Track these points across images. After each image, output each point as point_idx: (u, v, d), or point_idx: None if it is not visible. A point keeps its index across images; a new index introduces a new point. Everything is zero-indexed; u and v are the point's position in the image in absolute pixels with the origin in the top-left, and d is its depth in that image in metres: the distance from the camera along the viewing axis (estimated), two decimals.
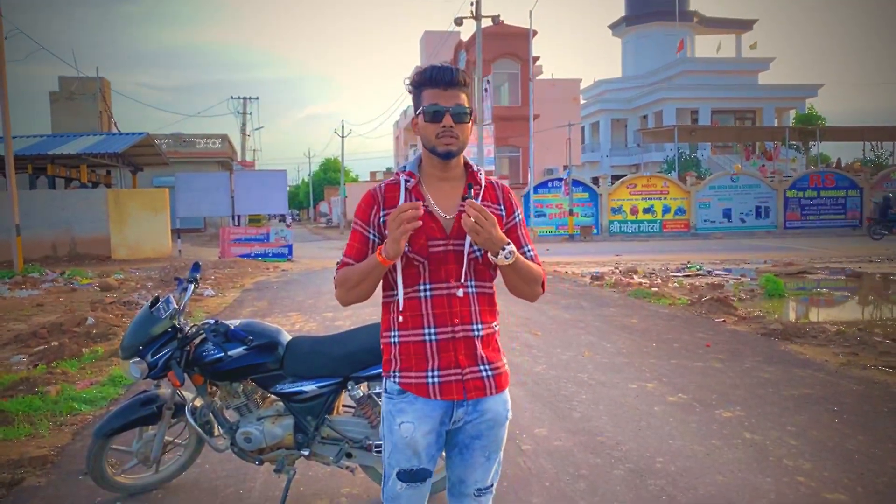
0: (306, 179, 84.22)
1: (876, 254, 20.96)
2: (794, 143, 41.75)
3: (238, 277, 16.80)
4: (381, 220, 2.26)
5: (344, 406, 3.80)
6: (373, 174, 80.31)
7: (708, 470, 4.12)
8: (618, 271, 16.69)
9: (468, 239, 2.22)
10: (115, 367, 7.21)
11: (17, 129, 23.83)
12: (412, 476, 2.32)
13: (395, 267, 2.23)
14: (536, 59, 36.42)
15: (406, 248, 2.18)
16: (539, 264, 2.35)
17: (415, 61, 49.07)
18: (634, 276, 15.42)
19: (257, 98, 43.62)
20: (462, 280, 2.26)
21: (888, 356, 7.02)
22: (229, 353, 3.57)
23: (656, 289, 12.79)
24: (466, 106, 2.24)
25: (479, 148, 22.70)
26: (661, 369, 6.61)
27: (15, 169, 21.91)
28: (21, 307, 12.67)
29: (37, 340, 9.36)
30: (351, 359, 3.53)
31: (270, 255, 21.93)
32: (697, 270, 17.17)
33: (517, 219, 2.37)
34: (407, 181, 2.29)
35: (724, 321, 9.43)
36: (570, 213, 31.43)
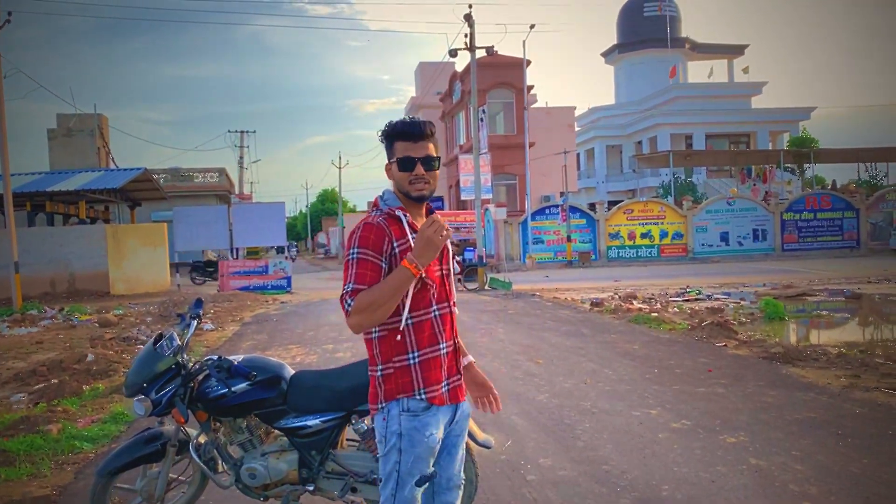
0: (304, 211, 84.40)
1: (875, 274, 21.01)
2: (789, 165, 42.02)
3: (237, 311, 16.79)
4: (396, 250, 2.46)
5: (348, 440, 3.79)
6: (370, 204, 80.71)
7: (714, 497, 4.10)
8: (617, 297, 16.70)
9: (451, 262, 2.67)
10: (117, 404, 7.18)
11: (16, 166, 24.00)
12: (427, 479, 2.58)
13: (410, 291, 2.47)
14: (531, 87, 36.78)
15: (422, 274, 2.43)
16: None
17: (411, 91, 49.51)
18: (634, 302, 15.44)
19: (255, 131, 44.08)
20: (454, 299, 2.66)
21: (890, 378, 7.02)
22: (233, 388, 3.57)
23: (656, 314, 12.79)
24: (435, 154, 2.55)
25: (477, 176, 22.82)
26: (663, 395, 6.60)
27: (13, 206, 22.03)
28: (20, 345, 12.63)
29: (37, 378, 9.33)
30: (354, 392, 3.53)
31: (269, 287, 21.94)
32: (697, 295, 17.19)
33: None
34: (405, 215, 2.54)
35: (725, 345, 9.43)
36: (568, 239, 31.52)
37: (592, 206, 34.08)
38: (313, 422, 3.56)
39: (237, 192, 40.37)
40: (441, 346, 2.57)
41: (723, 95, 53.59)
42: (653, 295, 17.06)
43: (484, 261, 21.64)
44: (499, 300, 17.06)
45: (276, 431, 3.73)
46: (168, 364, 3.68)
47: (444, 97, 41.30)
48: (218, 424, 3.78)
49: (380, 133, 2.61)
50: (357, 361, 3.82)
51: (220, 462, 3.77)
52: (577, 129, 50.91)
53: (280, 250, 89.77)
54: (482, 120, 26.29)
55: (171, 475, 3.93)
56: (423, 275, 2.46)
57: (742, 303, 15.53)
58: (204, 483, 4.03)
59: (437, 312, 2.56)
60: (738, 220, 32.88)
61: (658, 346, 9.55)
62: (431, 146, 2.52)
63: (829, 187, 39.96)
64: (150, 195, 26.81)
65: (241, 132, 40.28)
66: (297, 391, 3.62)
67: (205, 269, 27.79)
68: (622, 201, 35.67)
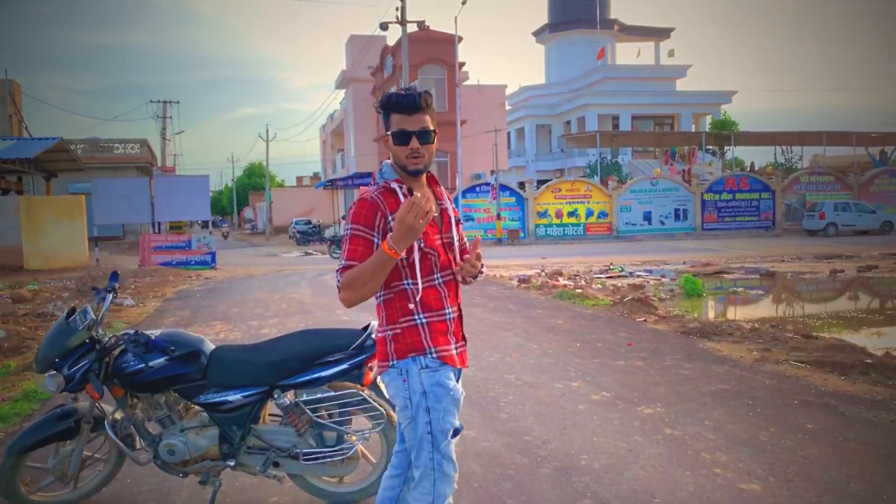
0: (230, 185, 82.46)
1: (788, 254, 21.96)
2: (711, 147, 43.33)
3: (159, 286, 16.34)
4: (390, 224, 2.46)
5: (270, 415, 3.76)
6: (300, 179, 79.34)
7: (630, 465, 4.24)
8: (544, 274, 16.98)
9: (453, 231, 2.69)
10: (29, 382, 6.91)
11: None
12: (458, 431, 2.63)
13: (407, 261, 2.51)
14: (462, 64, 36.74)
15: (421, 244, 2.51)
16: None
17: (340, 65, 48.76)
18: (560, 279, 15.73)
19: (178, 101, 42.58)
20: (454, 267, 2.66)
21: (798, 351, 7.37)
22: (150, 364, 3.49)
23: (580, 290, 13.07)
24: (431, 127, 2.53)
25: None
26: (585, 368, 6.77)
27: None
28: None
29: None
30: (277, 367, 3.50)
31: (193, 263, 21.42)
32: (620, 272, 17.63)
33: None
34: (400, 188, 2.54)
35: (645, 320, 9.71)
36: (498, 217, 31.82)
37: (522, 185, 34.47)
38: (234, 397, 3.52)
39: (160, 164, 39.11)
40: (447, 310, 2.62)
41: (649, 78, 54.77)
42: (578, 272, 17.41)
43: None
44: None
45: (196, 407, 3.67)
46: (81, 339, 3.56)
47: (376, 71, 40.84)
48: (135, 400, 3.69)
49: (377, 104, 2.62)
50: (278, 336, 3.78)
51: (137, 439, 3.69)
52: (508, 107, 51.18)
53: (205, 225, 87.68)
54: None
55: (85, 453, 3.82)
56: (423, 244, 2.52)
57: (663, 280, 16.02)
58: (121, 461, 3.93)
59: (440, 280, 2.61)
60: (661, 199, 33.80)
61: (581, 321, 9.76)
62: (428, 118, 2.52)
63: (748, 169, 41.45)
64: (67, 166, 25.64)
65: (164, 102, 38.96)
66: (218, 366, 3.56)
67: (309, 233, 27.48)
68: (551, 180, 36.20)
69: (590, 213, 33.14)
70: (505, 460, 4.38)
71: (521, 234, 32.33)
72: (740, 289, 14.83)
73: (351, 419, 3.64)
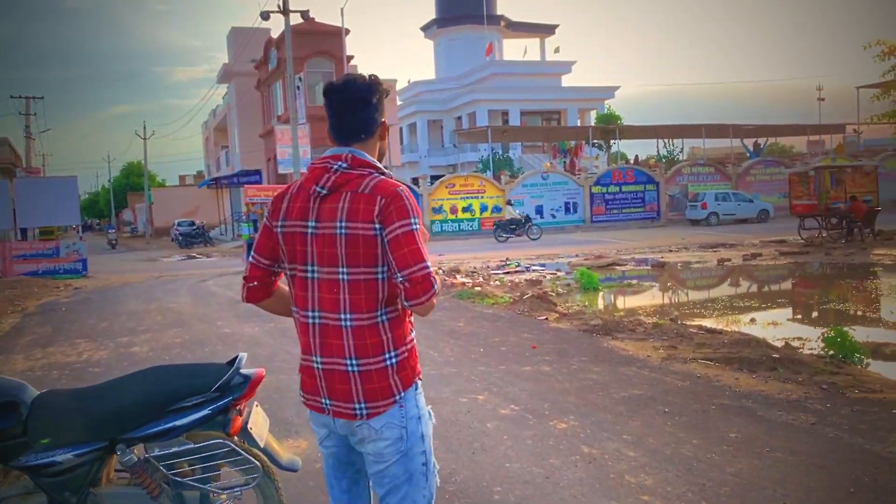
0: (107, 185, 77.86)
1: (674, 243, 22.46)
2: (597, 141, 44.27)
3: (20, 299, 14.80)
4: None
5: (117, 471, 3.03)
6: (182, 178, 75.86)
7: (549, 496, 3.76)
8: (441, 271, 16.52)
9: None
10: None
11: None
12: None
13: None
14: (350, 58, 35.81)
15: None
16: None
17: (224, 58, 46.73)
18: (458, 276, 15.30)
19: (42, 97, 39.40)
20: None
21: (704, 348, 7.17)
22: None
23: (479, 288, 12.68)
24: None
25: (295, 148, 21.73)
26: (490, 377, 6.29)
27: None
28: None
29: None
30: (119, 416, 2.78)
31: (61, 271, 19.68)
32: (516, 267, 17.42)
33: None
34: None
35: (546, 319, 9.38)
36: None
37: (416, 181, 33.96)
38: (63, 456, 2.77)
39: (24, 165, 36.15)
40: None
41: (536, 73, 55.42)
42: (475, 268, 17.07)
43: None
44: None
45: (17, 471, 2.89)
46: None
47: (259, 65, 39.22)
48: None
49: (387, 93, 2.40)
50: (121, 377, 3.05)
51: None
52: (399, 102, 50.56)
53: (86, 228, 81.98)
54: (299, 89, 25.14)
55: None
56: None
57: (558, 274, 15.90)
58: None
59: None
60: (552, 193, 34.13)
61: (482, 322, 9.32)
62: None
63: (633, 162, 42.57)
64: None
65: (27, 98, 35.90)
66: (42, 418, 2.80)
67: (508, 226, 25.59)
68: (444, 176, 35.90)
69: (484, 208, 33.04)
70: None
71: None
72: (634, 281, 14.87)
73: (219, 473, 2.97)
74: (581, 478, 3.97)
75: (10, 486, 2.90)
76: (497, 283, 14.10)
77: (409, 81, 58.48)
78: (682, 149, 45.62)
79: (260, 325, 9.66)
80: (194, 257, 28.75)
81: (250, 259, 2.38)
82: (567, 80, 56.94)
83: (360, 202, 2.16)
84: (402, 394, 2.20)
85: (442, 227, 32.37)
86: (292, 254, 2.23)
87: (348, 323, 2.16)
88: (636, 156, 46.58)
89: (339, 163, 2.21)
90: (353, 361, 2.15)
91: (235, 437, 2.89)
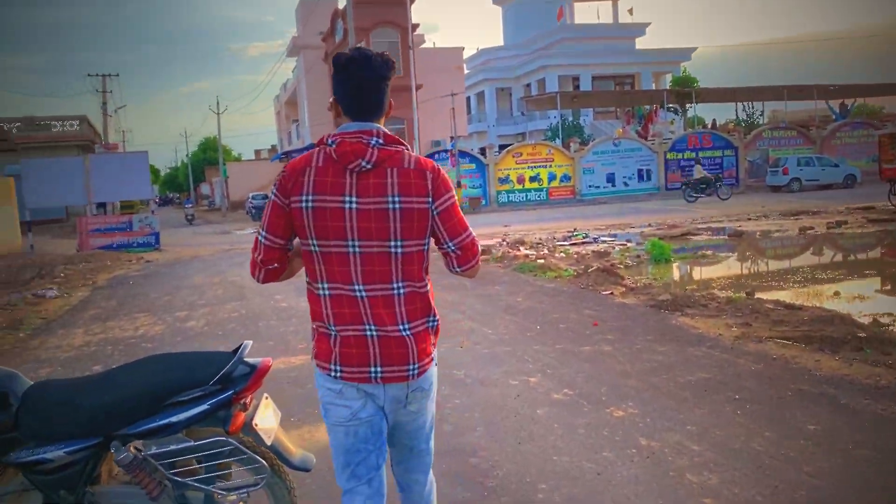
0: (185, 161, 79.95)
1: (753, 211, 21.39)
2: (672, 105, 42.66)
3: (94, 273, 15.16)
4: None
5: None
6: (258, 152, 77.17)
7: (600, 496, 3.38)
8: (505, 243, 16.13)
9: None
10: None
11: None
12: None
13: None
14: (416, 27, 35.40)
15: None
16: None
17: (291, 31, 46.91)
18: (521, 248, 14.88)
19: (117, 74, 40.28)
20: None
21: (782, 325, 6.59)
22: None
23: (543, 260, 12.24)
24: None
25: None
26: (545, 358, 5.91)
27: None
28: None
29: None
30: (112, 411, 2.54)
31: (135, 244, 20.16)
32: (583, 238, 16.85)
33: None
34: None
35: (611, 293, 8.90)
36: (458, 185, 30.81)
37: (483, 151, 33.44)
38: (54, 453, 2.55)
39: (104, 141, 37.24)
40: None
41: (608, 37, 53.67)
42: (540, 239, 16.59)
43: None
44: None
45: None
46: None
47: (326, 37, 39.20)
48: None
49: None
50: (121, 366, 2.81)
51: None
52: (466, 71, 49.88)
53: (167, 203, 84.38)
54: None
55: None
56: None
57: (628, 245, 15.28)
58: None
59: None
60: (624, 160, 33.10)
61: (542, 297, 8.91)
62: None
63: (710, 127, 40.87)
64: None
65: (103, 76, 36.87)
66: (33, 412, 2.58)
67: (697, 185, 26.07)
68: (511, 145, 35.24)
69: (552, 177, 32.33)
70: (443, 496, 3.49)
71: (483, 202, 31.43)
72: (709, 251, 14.12)
73: (230, 472, 2.72)
74: (636, 475, 3.58)
75: (8, 483, 2.71)
76: (562, 255, 13.62)
77: (477, 49, 57.65)
78: (762, 112, 43.53)
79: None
80: None
81: (263, 241, 2.26)
82: (641, 43, 55.07)
83: (411, 177, 2.22)
84: (435, 352, 2.38)
85: (508, 197, 31.84)
86: (323, 230, 2.18)
87: (401, 291, 2.24)
88: (713, 120, 44.72)
89: (374, 138, 2.22)
90: (406, 326, 2.24)
91: (240, 434, 2.63)
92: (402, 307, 2.23)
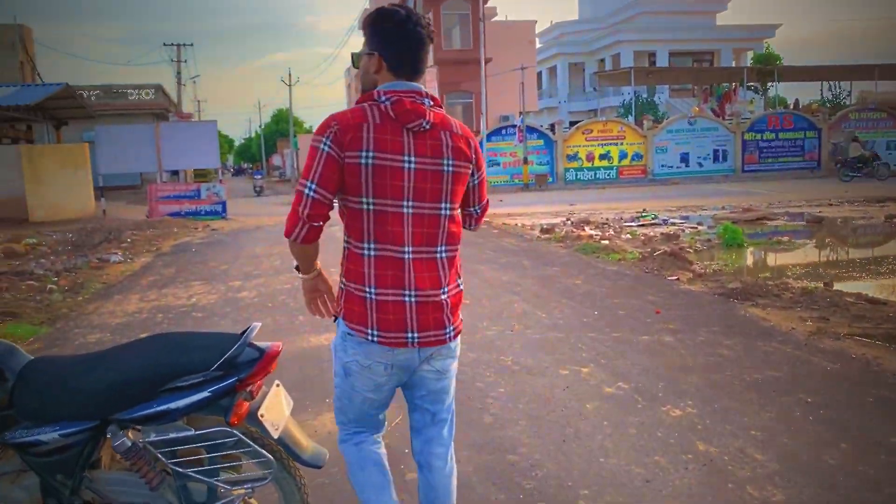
0: (259, 131, 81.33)
1: (835, 196, 20.26)
2: (752, 84, 40.87)
3: (159, 239, 15.41)
4: None
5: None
6: None
7: None
8: (569, 222, 15.67)
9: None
10: None
11: None
12: None
13: None
14: None
15: None
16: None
17: (363, 3, 46.80)
18: (586, 228, 14.41)
19: (192, 44, 41.01)
20: None
21: (863, 321, 6.06)
22: None
23: (607, 242, 11.79)
24: (358, 51, 2.35)
25: None
26: (600, 346, 5.55)
27: None
28: None
29: None
30: (107, 393, 2.34)
31: (203, 212, 20.46)
32: (652, 219, 16.22)
33: None
34: None
35: (677, 279, 8.44)
36: (525, 161, 30.28)
37: (552, 127, 32.72)
38: (49, 436, 2.37)
39: (178, 110, 37.99)
40: None
41: (688, 12, 51.68)
42: (607, 220, 16.06)
43: None
44: None
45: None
46: None
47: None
48: None
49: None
50: (121, 345, 2.61)
51: None
52: (538, 45, 48.90)
53: (240, 172, 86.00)
54: None
55: None
56: None
57: (699, 228, 14.62)
58: None
59: None
60: (699, 140, 31.89)
61: (603, 280, 8.50)
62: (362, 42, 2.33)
63: (792, 107, 39.00)
64: (76, 113, 24.67)
65: (178, 45, 37.56)
66: (28, 390, 2.41)
67: (854, 164, 25.85)
68: (582, 121, 34.39)
69: (623, 156, 31.40)
70: (476, 496, 3.22)
71: (550, 179, 30.79)
72: (785, 237, 13.35)
73: (240, 464, 2.51)
74: (690, 485, 3.23)
75: (6, 462, 2.56)
76: (628, 236, 13.11)
77: (551, 23, 56.42)
78: (849, 92, 41.24)
79: None
80: None
81: (312, 194, 2.15)
82: (722, 19, 52.92)
83: (461, 142, 2.26)
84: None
85: (577, 175, 31.11)
86: (382, 188, 2.14)
87: (443, 254, 2.25)
88: (796, 100, 42.66)
89: (426, 99, 2.21)
90: (445, 290, 2.25)
91: (245, 425, 2.40)
92: (443, 270, 2.24)
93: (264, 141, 76.26)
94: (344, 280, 2.25)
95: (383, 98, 2.16)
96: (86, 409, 2.37)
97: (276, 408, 2.46)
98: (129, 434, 2.42)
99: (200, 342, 2.44)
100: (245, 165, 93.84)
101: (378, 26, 2.23)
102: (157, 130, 21.18)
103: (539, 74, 51.51)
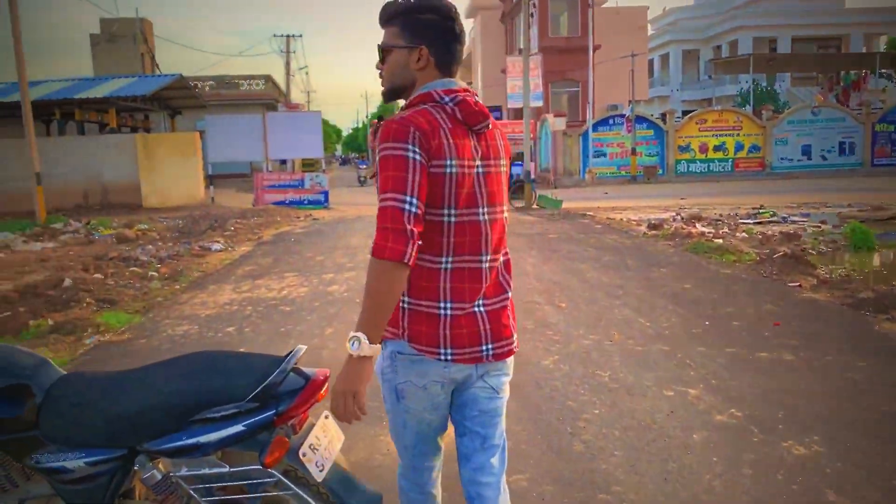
0: (365, 122, 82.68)
1: None
2: (885, 71, 37.88)
3: (262, 227, 15.63)
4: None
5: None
6: None
7: None
8: (679, 218, 14.82)
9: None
10: (41, 350, 6.00)
11: (61, 73, 23.03)
12: None
13: None
14: None
15: None
16: (381, 217, 1.85)
17: None
18: (697, 225, 13.56)
19: (300, 35, 41.97)
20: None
21: None
22: None
23: (720, 241, 10.97)
24: (382, 42, 2.10)
25: (525, 81, 20.65)
26: (711, 364, 4.98)
27: (43, 114, 21.17)
28: (24, 263, 11.74)
29: (2, 306, 8.31)
30: (134, 420, 2.08)
31: (306, 202, 20.73)
32: (771, 216, 15.12)
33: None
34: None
35: (799, 286, 7.66)
36: (633, 152, 29.17)
37: (663, 117, 31.41)
38: (75, 462, 2.13)
39: (286, 100, 38.91)
40: None
41: None
42: (720, 216, 15.09)
43: (532, 177, 19.83)
44: (542, 221, 15.37)
45: None
46: None
47: None
48: None
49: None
50: (154, 364, 2.33)
51: None
52: (650, 32, 47.16)
53: (347, 162, 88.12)
54: (532, 15, 23.87)
55: None
56: None
57: (823, 227, 13.47)
58: None
59: None
60: (823, 131, 29.79)
61: (716, 285, 7.82)
62: (386, 32, 2.08)
63: None
64: (189, 103, 25.66)
65: (287, 36, 38.43)
66: (55, 410, 2.18)
67: None
68: (695, 111, 32.85)
69: (739, 147, 29.75)
70: None
71: (659, 171, 29.56)
72: None
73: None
74: None
75: (39, 485, 2.35)
76: (744, 234, 12.20)
77: (664, 9, 54.36)
78: None
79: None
80: None
81: (413, 209, 1.85)
82: (851, 2, 49.37)
83: (504, 138, 2.16)
84: None
85: (688, 167, 29.72)
86: (462, 197, 1.97)
87: (503, 259, 2.14)
88: None
89: (476, 96, 2.08)
90: (506, 296, 2.13)
91: (287, 462, 2.08)
92: (504, 276, 2.14)
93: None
94: (410, 298, 2.00)
95: (446, 99, 1.97)
96: (113, 435, 2.11)
97: (322, 445, 2.13)
98: (160, 465, 2.15)
99: (239, 365, 2.13)
100: (352, 155, 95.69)
101: (423, 17, 2.01)
102: (264, 120, 21.60)
103: (650, 62, 49.68)
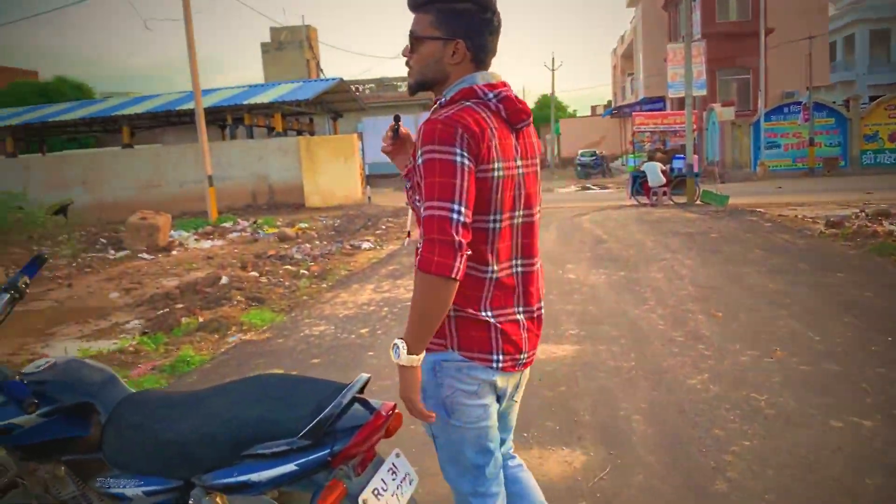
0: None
1: None
2: None
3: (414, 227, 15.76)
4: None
5: None
6: (594, 108, 76.54)
7: None
8: (864, 215, 13.30)
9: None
10: (187, 347, 6.21)
11: (237, 80, 24.64)
12: None
13: None
14: None
15: None
16: (427, 228, 1.73)
17: None
18: (885, 222, 12.09)
19: None
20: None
21: None
22: (15, 419, 2.09)
23: None
24: (413, 30, 1.95)
25: (688, 68, 19.43)
26: (892, 390, 4.22)
27: (217, 120, 22.65)
28: (191, 260, 12.53)
29: (165, 302, 8.81)
30: (185, 450, 1.89)
31: None
32: None
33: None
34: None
35: None
36: (811, 142, 26.86)
37: (847, 103, 28.68)
38: (133, 490, 1.99)
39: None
40: None
41: None
42: None
43: (695, 170, 18.66)
44: (705, 219, 14.35)
45: None
46: None
47: None
48: (37, 466, 2.32)
49: None
50: (215, 387, 2.13)
51: None
52: (831, 12, 43.32)
53: None
54: (695, 0, 22.46)
55: None
56: None
57: None
58: None
59: None
60: None
61: None
62: (417, 18, 1.92)
63: None
64: (350, 106, 26.56)
65: None
66: (117, 431, 2.05)
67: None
68: (883, 96, 29.75)
69: None
70: None
71: (841, 163, 27.01)
72: None
73: None
74: None
75: None
76: None
77: None
78: None
79: (608, 272, 8.50)
80: (588, 188, 28.41)
81: (462, 218, 1.73)
82: None
83: (536, 137, 2.06)
84: None
85: (875, 158, 26.95)
86: (505, 200, 1.88)
87: (538, 265, 2.04)
88: None
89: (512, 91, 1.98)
90: (541, 304, 2.06)
91: None
92: (540, 282, 2.05)
93: None
94: (456, 305, 1.84)
95: (490, 95, 1.85)
96: (171, 463, 1.94)
97: (389, 490, 1.85)
98: (218, 500, 1.95)
99: (293, 395, 1.89)
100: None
101: (460, 7, 1.86)
102: (418, 120, 21.87)
103: (832, 45, 45.66)
